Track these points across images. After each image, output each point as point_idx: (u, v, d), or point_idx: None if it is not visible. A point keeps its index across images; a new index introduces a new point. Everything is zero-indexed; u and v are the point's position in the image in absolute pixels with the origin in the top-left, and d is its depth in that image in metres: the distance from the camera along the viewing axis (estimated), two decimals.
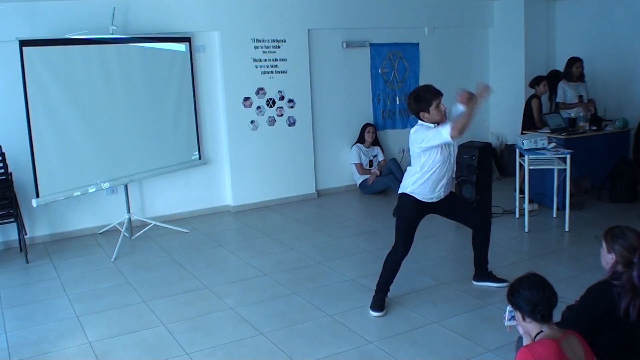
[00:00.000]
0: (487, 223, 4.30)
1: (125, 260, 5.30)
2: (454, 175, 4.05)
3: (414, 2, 7.89)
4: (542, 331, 2.22)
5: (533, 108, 6.92)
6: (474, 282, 4.40)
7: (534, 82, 7.03)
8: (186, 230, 6.14)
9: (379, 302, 4.00)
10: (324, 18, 7.24)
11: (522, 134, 6.63)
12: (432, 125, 3.80)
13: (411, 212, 3.99)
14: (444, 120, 3.78)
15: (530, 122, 6.94)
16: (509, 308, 2.37)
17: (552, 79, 7.25)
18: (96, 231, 6.17)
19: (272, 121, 7.03)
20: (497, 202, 6.39)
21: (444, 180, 3.94)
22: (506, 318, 2.41)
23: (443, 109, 3.78)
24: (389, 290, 4.11)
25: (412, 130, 3.92)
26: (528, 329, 2.27)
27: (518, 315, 2.30)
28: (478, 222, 4.23)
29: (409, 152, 4.04)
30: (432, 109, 3.75)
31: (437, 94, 3.78)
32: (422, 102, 3.77)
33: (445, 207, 4.10)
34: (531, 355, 2.11)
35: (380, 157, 7.62)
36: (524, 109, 7.12)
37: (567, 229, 5.61)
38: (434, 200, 3.99)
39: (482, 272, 4.36)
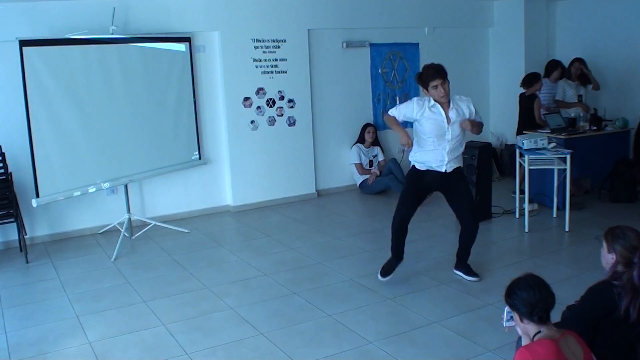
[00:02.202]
0: (475, 226, 4.37)
1: (125, 260, 5.30)
2: (458, 155, 4.27)
3: (414, 2, 7.89)
4: (540, 331, 2.22)
5: (526, 107, 6.89)
6: (454, 271, 4.56)
7: (531, 82, 6.93)
8: (186, 230, 6.14)
9: (387, 267, 4.40)
10: (324, 18, 7.24)
11: (522, 133, 6.62)
12: (427, 99, 4.15)
13: (412, 179, 4.34)
14: (443, 101, 4.09)
15: (530, 122, 6.95)
16: (506, 309, 2.36)
17: (554, 68, 7.13)
18: (96, 231, 6.17)
19: (272, 121, 7.03)
20: (497, 202, 6.39)
21: (443, 154, 4.15)
22: (504, 319, 2.40)
23: (441, 92, 4.03)
24: (400, 258, 4.43)
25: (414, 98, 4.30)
26: (526, 329, 2.27)
27: (516, 316, 2.29)
28: (467, 222, 4.36)
29: None
30: (430, 88, 4.07)
31: (436, 76, 4.01)
32: (423, 81, 4.10)
33: (449, 190, 4.33)
34: (530, 355, 2.11)
35: (380, 157, 7.62)
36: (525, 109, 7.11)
37: (567, 229, 5.61)
38: (437, 169, 4.19)
39: (461, 262, 4.50)
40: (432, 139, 4.15)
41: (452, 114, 4.12)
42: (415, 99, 4.22)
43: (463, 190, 4.32)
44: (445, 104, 4.12)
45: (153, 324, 3.95)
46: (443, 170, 4.19)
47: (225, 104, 6.74)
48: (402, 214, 4.34)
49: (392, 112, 4.25)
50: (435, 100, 4.12)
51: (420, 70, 4.22)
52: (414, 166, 4.33)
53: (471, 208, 4.35)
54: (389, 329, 3.75)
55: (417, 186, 4.33)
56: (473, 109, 4.22)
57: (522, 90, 6.90)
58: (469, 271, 4.46)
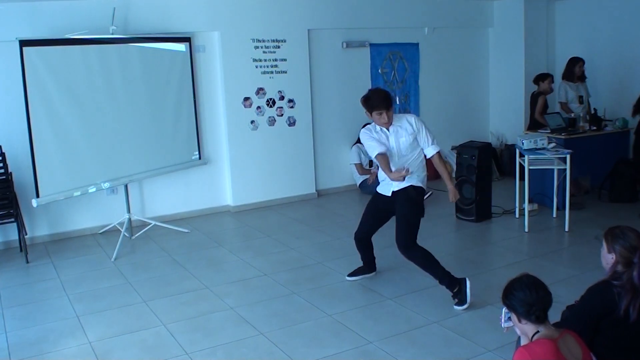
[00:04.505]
0: (403, 251, 4.10)
1: (125, 260, 5.30)
2: (397, 187, 4.08)
3: (414, 2, 7.90)
4: (538, 331, 2.23)
5: (538, 104, 6.96)
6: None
7: (537, 81, 7.05)
8: (186, 230, 6.13)
9: (356, 270, 4.61)
10: (324, 18, 7.24)
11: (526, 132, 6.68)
12: (373, 126, 4.11)
13: (372, 199, 4.41)
14: (386, 127, 4.06)
15: (533, 120, 7.02)
16: (504, 309, 2.37)
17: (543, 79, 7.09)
18: (96, 231, 6.17)
19: (272, 121, 7.03)
20: (497, 202, 6.39)
21: (389, 180, 4.07)
22: (502, 319, 2.42)
23: (385, 119, 4.00)
24: (369, 268, 4.61)
25: (361, 132, 4.20)
26: (525, 329, 2.28)
27: (514, 317, 2.30)
28: (397, 241, 4.11)
29: None
30: (374, 114, 4.03)
31: (382, 105, 3.96)
32: (369, 106, 4.04)
33: (396, 206, 4.15)
34: (528, 355, 2.12)
35: None
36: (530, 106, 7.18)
37: (567, 229, 5.61)
38: (386, 194, 4.18)
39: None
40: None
41: (393, 130, 4.06)
42: (364, 131, 4.12)
43: (401, 211, 4.10)
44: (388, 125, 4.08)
45: (153, 324, 3.95)
46: (389, 194, 4.14)
47: (225, 104, 6.74)
48: (358, 233, 4.47)
49: (372, 154, 4.02)
50: (378, 125, 4.09)
51: (368, 93, 4.09)
52: (376, 188, 4.37)
53: (403, 233, 4.05)
54: (389, 329, 3.75)
55: (377, 207, 4.32)
56: (418, 126, 4.07)
57: (523, 94, 7.02)
58: (454, 296, 4.06)
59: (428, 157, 4.17)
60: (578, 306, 2.71)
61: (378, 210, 4.34)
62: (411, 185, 4.08)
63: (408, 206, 4.07)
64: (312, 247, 5.49)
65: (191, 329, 3.86)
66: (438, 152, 4.16)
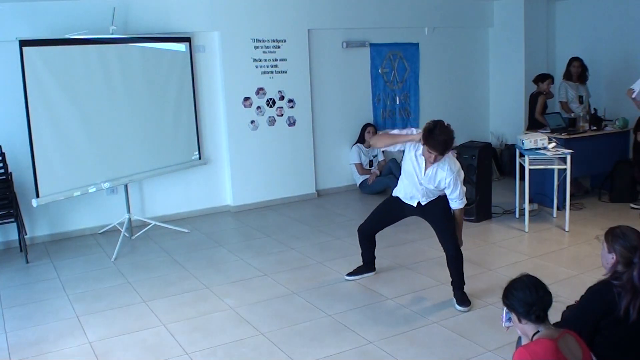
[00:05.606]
0: (454, 253, 4.10)
1: (125, 260, 5.30)
2: (426, 202, 4.12)
3: (414, 2, 7.90)
4: (539, 331, 2.23)
5: (537, 104, 6.99)
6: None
7: (536, 81, 7.09)
8: (186, 230, 6.14)
9: (355, 269, 4.63)
10: (324, 18, 7.24)
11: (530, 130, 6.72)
12: (419, 145, 3.95)
13: (390, 201, 4.37)
14: (429, 161, 3.92)
15: (533, 120, 7.05)
16: (505, 309, 2.38)
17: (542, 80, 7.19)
18: (96, 231, 6.17)
19: (272, 121, 7.03)
20: (497, 202, 6.39)
21: (412, 195, 4.13)
22: (503, 319, 2.43)
23: (432, 158, 3.86)
24: (369, 267, 4.63)
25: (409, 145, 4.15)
26: (525, 329, 2.28)
27: (514, 317, 2.31)
28: (445, 249, 4.14)
29: None
30: (426, 147, 3.83)
31: (436, 150, 3.80)
32: (427, 139, 3.80)
33: (426, 217, 4.25)
34: (528, 354, 2.12)
35: (380, 157, 7.62)
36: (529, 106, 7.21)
37: (567, 229, 5.61)
38: (409, 202, 4.19)
39: (454, 289, 4.12)
40: (405, 177, 4.12)
41: (430, 171, 3.98)
42: (412, 147, 4.07)
43: (437, 219, 4.15)
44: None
45: (153, 324, 3.95)
46: (414, 204, 4.16)
47: (225, 104, 6.74)
48: (364, 228, 4.53)
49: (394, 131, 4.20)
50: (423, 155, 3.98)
51: (433, 126, 3.77)
52: (393, 192, 4.33)
53: (449, 236, 4.11)
54: (389, 329, 3.75)
55: (392, 208, 4.35)
56: (452, 183, 3.95)
57: (523, 94, 7.05)
58: (459, 299, 4.06)
59: (452, 208, 4.09)
60: (578, 306, 2.71)
61: (392, 212, 4.37)
62: (439, 197, 4.11)
63: (446, 216, 4.12)
64: (312, 247, 5.49)
65: (191, 329, 3.86)
66: (461, 208, 4.09)
